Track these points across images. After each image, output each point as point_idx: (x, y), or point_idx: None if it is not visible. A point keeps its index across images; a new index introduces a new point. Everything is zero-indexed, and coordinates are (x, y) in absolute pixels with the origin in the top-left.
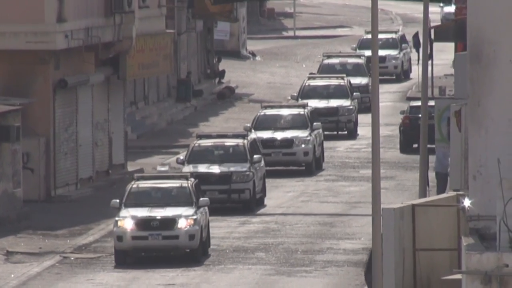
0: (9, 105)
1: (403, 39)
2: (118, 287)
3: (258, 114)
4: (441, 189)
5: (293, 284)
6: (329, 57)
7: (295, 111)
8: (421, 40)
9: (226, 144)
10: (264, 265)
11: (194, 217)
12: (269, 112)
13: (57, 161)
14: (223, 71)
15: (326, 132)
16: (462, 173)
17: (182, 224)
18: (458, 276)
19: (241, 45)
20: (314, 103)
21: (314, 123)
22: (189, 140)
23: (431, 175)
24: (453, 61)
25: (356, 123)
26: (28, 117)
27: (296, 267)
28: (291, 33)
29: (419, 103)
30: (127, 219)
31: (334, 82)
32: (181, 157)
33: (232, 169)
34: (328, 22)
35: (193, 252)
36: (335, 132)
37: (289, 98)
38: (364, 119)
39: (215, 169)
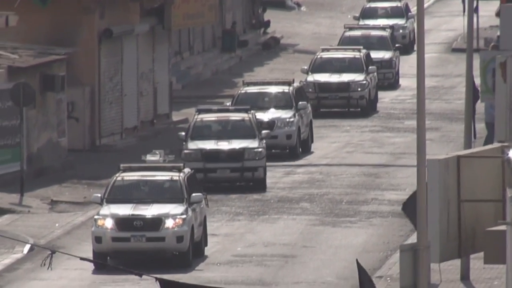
0: (54, 54)
1: (407, 8)
2: None
3: (239, 92)
4: (490, 139)
5: (337, 235)
6: (350, 29)
7: (279, 89)
8: None
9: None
10: (308, 215)
11: (183, 216)
12: (251, 89)
13: (102, 111)
14: (268, 21)
15: (336, 109)
16: (507, 125)
17: (169, 224)
18: (503, 227)
19: None
20: (324, 78)
21: (300, 102)
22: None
23: (479, 126)
24: (496, 12)
25: (372, 100)
26: (73, 67)
27: (341, 218)
28: None
29: None
30: (107, 218)
31: (348, 54)
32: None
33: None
34: None
35: (182, 256)
36: (346, 109)
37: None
38: (410, 70)
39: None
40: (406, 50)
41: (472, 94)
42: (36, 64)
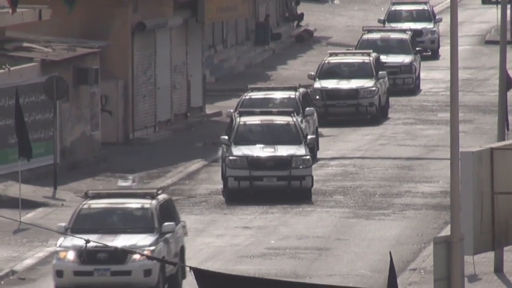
0: (87, 48)
1: (433, 11)
2: (196, 230)
3: (243, 97)
4: None
5: (371, 227)
6: (369, 31)
7: (285, 94)
8: None
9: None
10: (342, 208)
11: (152, 248)
12: (255, 95)
13: (136, 104)
14: (302, 14)
15: (344, 117)
16: None
17: (136, 256)
18: None
19: None
20: (332, 84)
21: (307, 108)
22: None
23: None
24: None
25: (383, 106)
26: (106, 60)
27: (374, 210)
28: None
29: None
30: (69, 251)
31: (357, 59)
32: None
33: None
34: None
35: None
36: (355, 117)
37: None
38: (442, 63)
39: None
40: (434, 55)
41: (506, 85)
42: (70, 57)
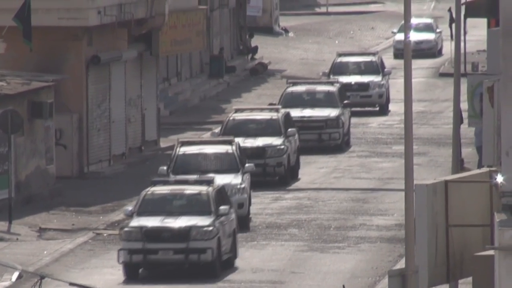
0: (42, 82)
1: (382, 62)
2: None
3: (228, 118)
4: (481, 163)
5: (326, 261)
6: (294, 84)
7: (267, 115)
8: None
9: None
10: (297, 241)
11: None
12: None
13: (90, 138)
14: (256, 47)
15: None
16: (494, 149)
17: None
18: (491, 252)
19: (274, 21)
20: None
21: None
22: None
23: (464, 151)
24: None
25: (293, 167)
26: (61, 94)
27: (329, 243)
28: (323, 9)
29: None
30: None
31: (265, 116)
32: None
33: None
34: None
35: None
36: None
37: (321, 74)
38: (397, 95)
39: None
40: (382, 110)
41: (459, 119)
42: (24, 91)
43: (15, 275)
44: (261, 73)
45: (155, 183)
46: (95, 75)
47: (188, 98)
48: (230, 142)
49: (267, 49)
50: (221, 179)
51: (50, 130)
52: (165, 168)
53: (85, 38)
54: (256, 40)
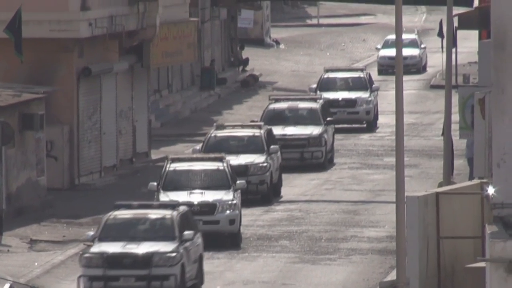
0: (33, 93)
1: (370, 78)
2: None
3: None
4: (472, 175)
5: (317, 272)
6: (276, 100)
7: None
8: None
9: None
10: (288, 253)
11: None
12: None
13: (81, 149)
14: (247, 59)
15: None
16: (486, 161)
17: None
18: (482, 264)
19: (265, 33)
20: None
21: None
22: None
23: (456, 163)
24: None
25: (275, 184)
26: (52, 105)
27: (320, 255)
28: (315, 21)
29: None
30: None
31: (247, 132)
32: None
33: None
34: (352, 10)
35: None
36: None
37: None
38: (388, 107)
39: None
40: (370, 127)
41: (450, 129)
42: (15, 103)
43: (6, 286)
44: (252, 85)
45: (118, 207)
46: (86, 87)
47: (179, 110)
48: (220, 159)
49: (258, 61)
50: (212, 196)
51: (41, 142)
52: (155, 184)
53: (76, 50)
54: (247, 52)
